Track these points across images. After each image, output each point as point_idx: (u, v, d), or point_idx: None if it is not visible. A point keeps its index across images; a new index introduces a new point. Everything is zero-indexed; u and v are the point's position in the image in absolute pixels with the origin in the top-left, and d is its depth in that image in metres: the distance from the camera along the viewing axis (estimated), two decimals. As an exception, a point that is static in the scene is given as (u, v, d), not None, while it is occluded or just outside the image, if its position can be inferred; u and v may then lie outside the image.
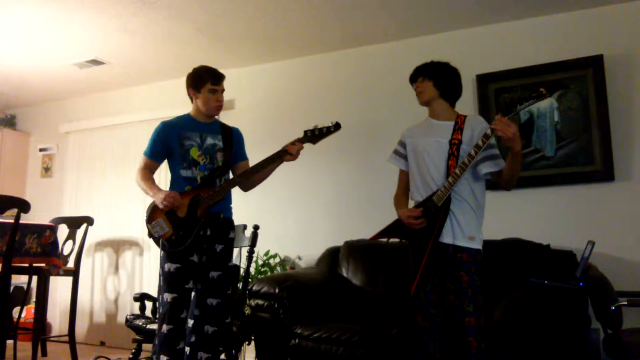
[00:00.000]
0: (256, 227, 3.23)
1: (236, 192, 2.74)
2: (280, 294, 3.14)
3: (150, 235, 2.57)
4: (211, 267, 2.58)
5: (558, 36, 3.60)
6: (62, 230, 4.08)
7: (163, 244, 2.53)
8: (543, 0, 3.45)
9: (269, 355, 3.19)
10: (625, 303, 2.35)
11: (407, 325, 2.58)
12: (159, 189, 2.57)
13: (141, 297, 3.42)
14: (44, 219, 4.30)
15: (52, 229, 3.62)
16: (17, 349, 3.70)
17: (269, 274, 3.94)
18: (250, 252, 3.20)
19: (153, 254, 4.68)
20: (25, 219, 3.47)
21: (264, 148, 2.83)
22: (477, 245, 2.26)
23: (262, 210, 4.19)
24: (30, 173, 5.69)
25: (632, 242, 3.26)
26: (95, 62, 4.50)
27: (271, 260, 4.11)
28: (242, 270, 3.33)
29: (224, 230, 2.64)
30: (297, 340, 3.04)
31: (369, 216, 3.89)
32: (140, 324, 3.15)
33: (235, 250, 3.04)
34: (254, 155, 2.75)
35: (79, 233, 4.07)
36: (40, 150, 5.64)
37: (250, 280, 3.40)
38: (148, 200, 2.69)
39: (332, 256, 3.80)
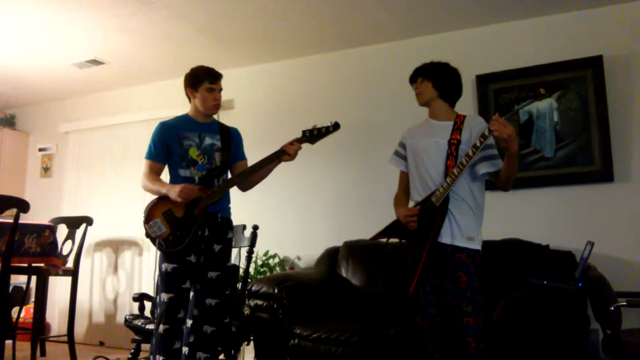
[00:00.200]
0: (255, 227, 3.23)
1: (236, 192, 2.73)
2: (280, 294, 3.13)
3: (148, 235, 2.57)
4: (209, 268, 2.58)
5: (558, 36, 3.60)
6: (62, 230, 4.08)
7: (160, 244, 2.53)
8: (543, 1, 3.45)
9: (268, 356, 3.19)
10: (625, 303, 2.35)
11: (406, 325, 2.58)
12: (173, 185, 2.55)
13: (140, 297, 3.42)
14: (43, 219, 4.30)
15: (51, 229, 3.61)
16: (16, 349, 3.69)
17: (268, 274, 3.94)
18: (250, 252, 3.20)
19: (152, 254, 4.67)
20: (25, 218, 3.47)
21: (263, 148, 2.83)
22: (476, 245, 2.25)
23: (261, 210, 4.19)
24: (29, 173, 5.69)
25: (631, 243, 3.26)
26: (95, 62, 4.50)
27: (270, 261, 4.11)
28: (241, 271, 3.33)
29: (222, 230, 2.64)
30: (296, 341, 3.04)
31: (368, 216, 3.89)
32: (139, 324, 3.14)
33: (235, 251, 3.03)
34: (254, 155, 2.74)
35: (78, 233, 4.07)
36: (40, 150, 5.64)
37: (249, 280, 3.40)
38: (147, 200, 2.69)
39: (331, 256, 3.80)
